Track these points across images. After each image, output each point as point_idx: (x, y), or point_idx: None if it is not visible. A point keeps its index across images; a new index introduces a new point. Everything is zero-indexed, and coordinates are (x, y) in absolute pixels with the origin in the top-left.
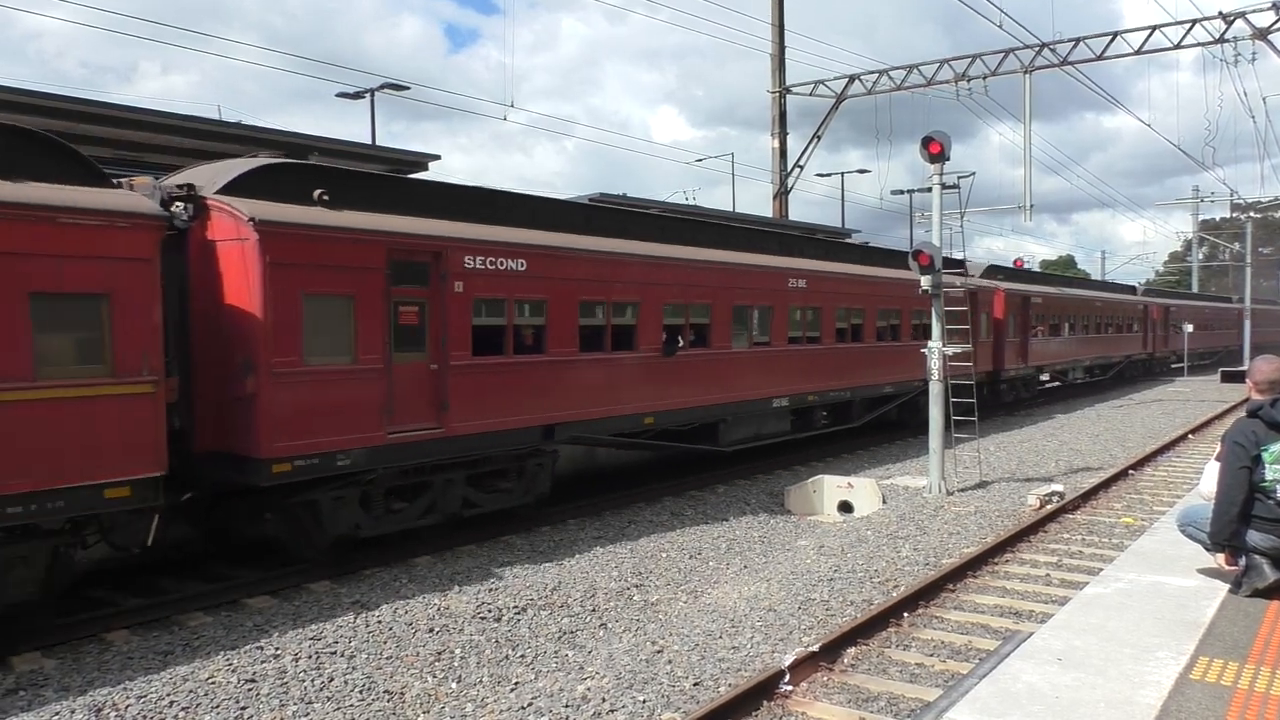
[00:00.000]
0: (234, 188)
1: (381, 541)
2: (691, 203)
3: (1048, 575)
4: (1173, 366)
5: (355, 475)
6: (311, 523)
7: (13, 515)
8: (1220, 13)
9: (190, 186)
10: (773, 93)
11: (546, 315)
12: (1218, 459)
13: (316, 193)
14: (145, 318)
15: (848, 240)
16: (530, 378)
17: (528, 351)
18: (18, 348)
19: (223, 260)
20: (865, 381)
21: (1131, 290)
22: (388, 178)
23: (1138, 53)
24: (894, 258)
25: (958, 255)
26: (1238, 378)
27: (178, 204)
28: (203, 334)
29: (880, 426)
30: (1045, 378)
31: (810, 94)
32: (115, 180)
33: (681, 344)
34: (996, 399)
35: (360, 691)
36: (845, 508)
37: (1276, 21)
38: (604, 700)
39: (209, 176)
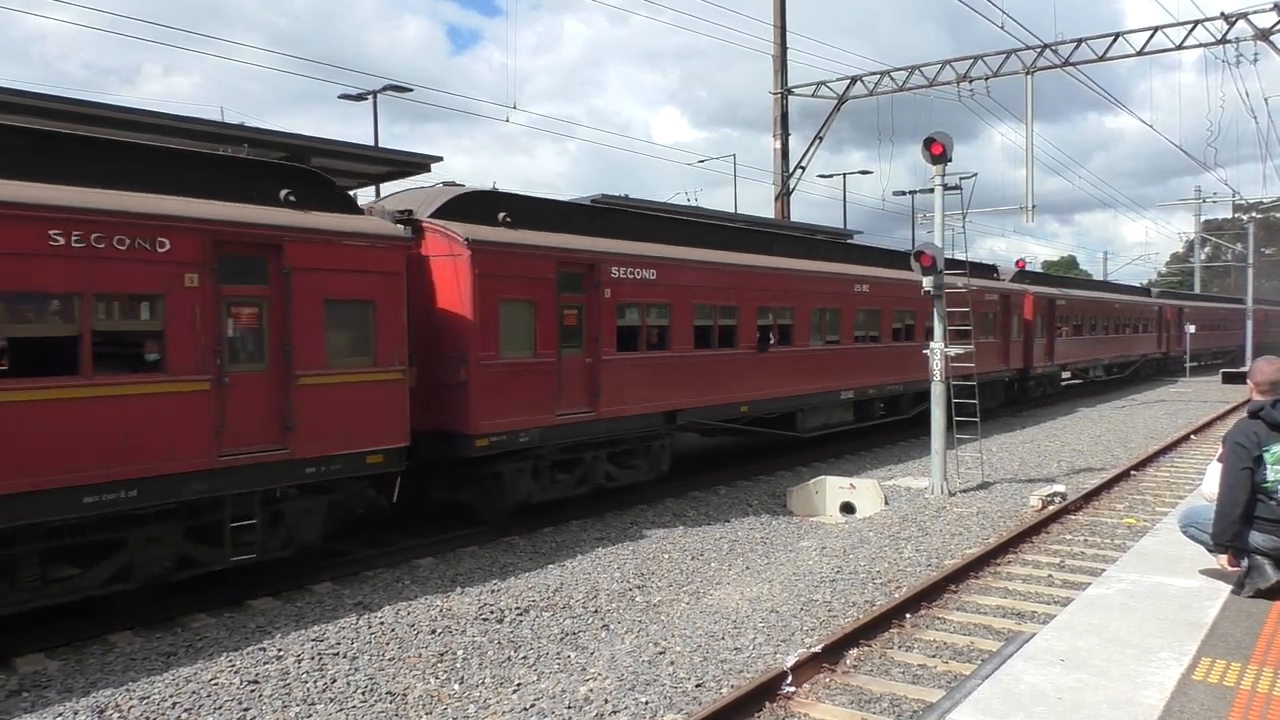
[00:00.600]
0: (442, 212)
1: (546, 507)
2: (693, 204)
3: (1050, 576)
4: (1187, 365)
5: (531, 450)
6: (497, 490)
7: (310, 474)
8: (1222, 13)
9: (409, 212)
10: (774, 94)
11: (670, 317)
12: (1220, 460)
13: (501, 215)
14: (396, 320)
15: (889, 250)
16: (658, 370)
17: (656, 348)
18: (319, 343)
19: (437, 272)
20: (916, 376)
21: (1146, 292)
22: (551, 201)
23: (1139, 54)
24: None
25: (984, 260)
26: (1239, 379)
27: (400, 226)
28: (418, 332)
29: (883, 428)
30: (1067, 375)
31: (812, 95)
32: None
33: (772, 342)
34: (1025, 394)
35: (363, 693)
36: (847, 509)
37: (1278, 22)
38: (606, 701)
39: (419, 202)
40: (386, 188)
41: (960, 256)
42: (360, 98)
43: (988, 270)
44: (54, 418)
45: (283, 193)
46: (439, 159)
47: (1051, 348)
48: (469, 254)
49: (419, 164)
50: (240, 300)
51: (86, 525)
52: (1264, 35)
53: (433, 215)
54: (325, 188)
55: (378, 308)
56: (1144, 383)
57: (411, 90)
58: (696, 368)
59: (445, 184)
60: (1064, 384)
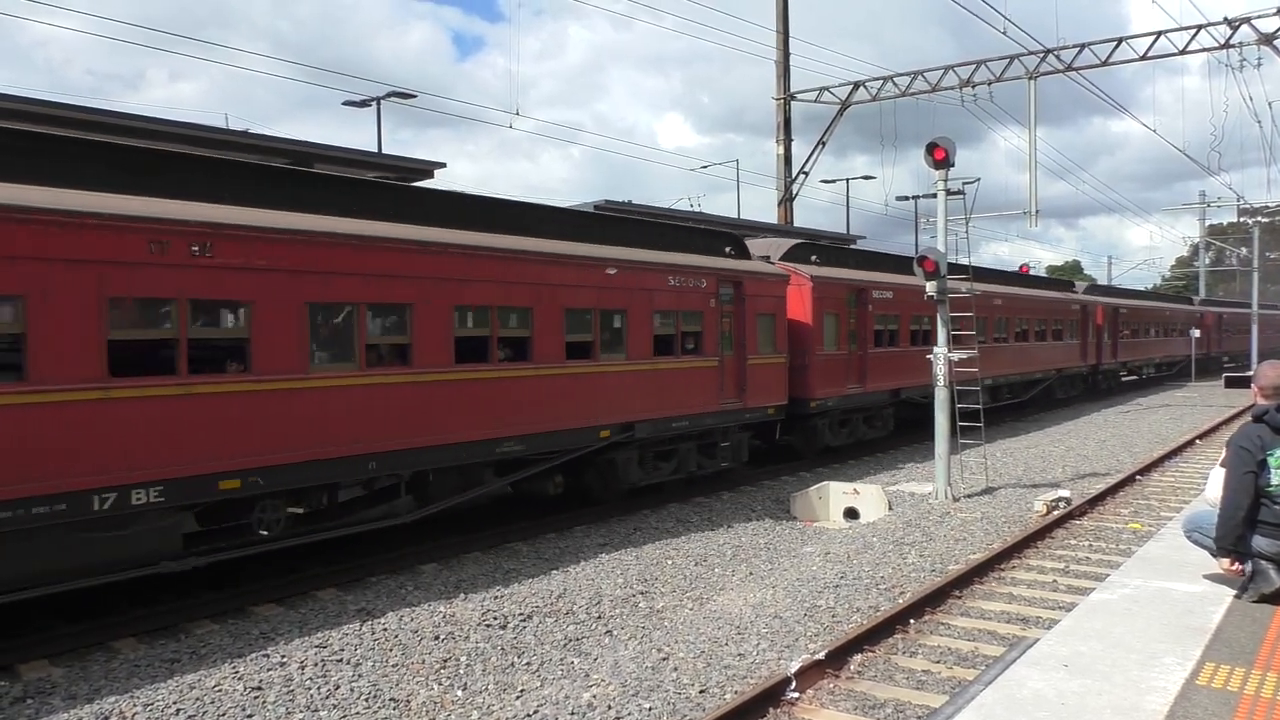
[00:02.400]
0: (787, 256)
1: (837, 450)
2: (696, 209)
3: (1054, 581)
4: (1225, 364)
5: (832, 411)
6: (815, 436)
7: (748, 418)
8: (1225, 18)
9: (766, 257)
10: (778, 100)
11: (899, 324)
12: (1223, 464)
13: (813, 257)
14: (782, 325)
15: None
16: (892, 360)
17: (889, 345)
18: (755, 339)
19: (791, 296)
20: (1028, 369)
21: (1189, 301)
22: (836, 249)
23: (1143, 58)
24: (1047, 283)
25: (989, 266)
26: (1243, 383)
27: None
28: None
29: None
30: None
31: (815, 100)
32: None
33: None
34: (1095, 388)
35: (366, 699)
36: (851, 514)
37: None
38: (610, 708)
39: (770, 249)
40: None
41: (964, 261)
42: (364, 104)
43: (1066, 285)
44: (668, 381)
45: (726, 249)
46: (442, 165)
47: (1115, 349)
48: (811, 284)
49: (422, 170)
50: (726, 314)
51: (665, 440)
52: (1268, 40)
53: (782, 258)
54: (742, 246)
55: (775, 318)
56: (1154, 386)
57: (415, 96)
58: (917, 360)
59: (778, 232)
60: (1123, 379)
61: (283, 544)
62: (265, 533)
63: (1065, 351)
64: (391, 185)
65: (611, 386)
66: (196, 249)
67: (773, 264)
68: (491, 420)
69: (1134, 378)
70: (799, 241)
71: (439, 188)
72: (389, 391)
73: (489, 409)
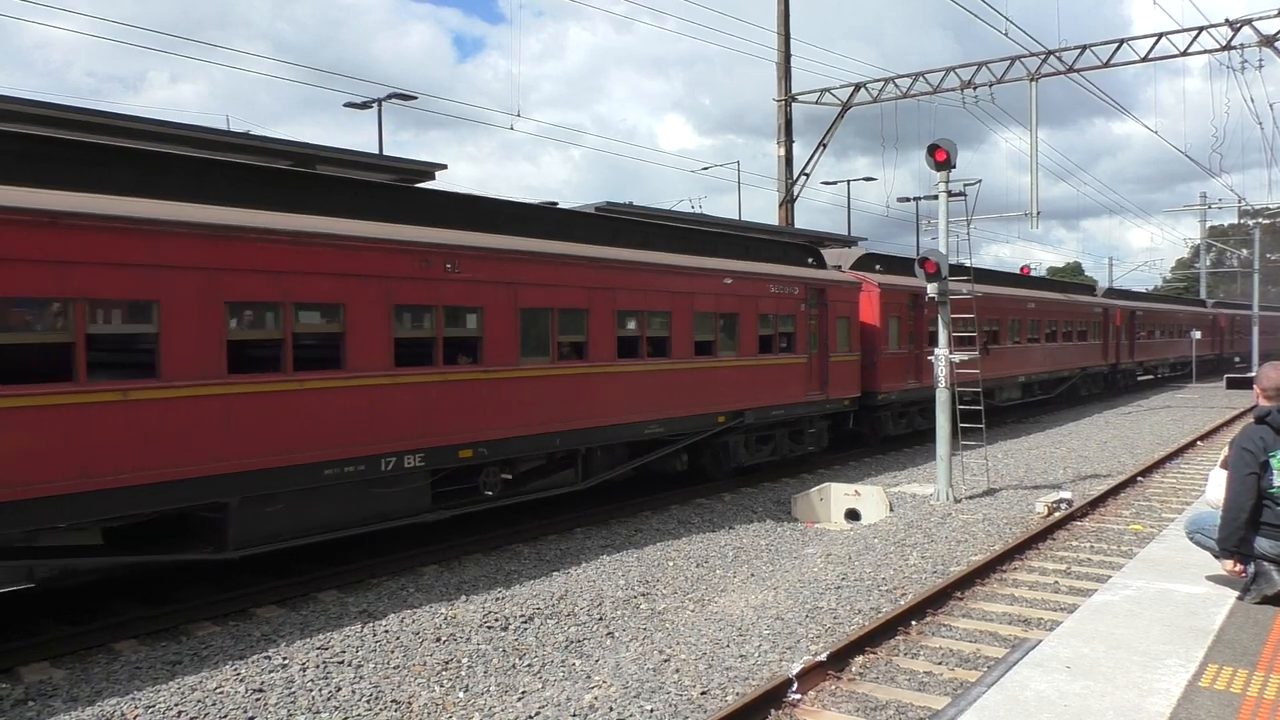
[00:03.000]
0: (855, 265)
1: (896, 439)
2: (698, 210)
3: (1056, 583)
4: (1236, 364)
5: (894, 404)
6: (879, 425)
7: (829, 408)
8: (1227, 20)
9: (839, 267)
10: (778, 101)
11: (992, 326)
12: (1223, 466)
13: (876, 265)
14: (855, 326)
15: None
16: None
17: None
18: (835, 339)
19: (862, 302)
20: (1056, 367)
21: (1202, 304)
22: (895, 258)
23: (1144, 60)
24: (1072, 288)
25: (989, 267)
26: (1244, 384)
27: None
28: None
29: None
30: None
31: (816, 102)
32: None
33: (997, 346)
34: (1114, 385)
35: (368, 701)
36: (852, 515)
37: None
38: (611, 709)
39: (839, 258)
40: None
41: (965, 263)
42: (365, 106)
43: (1088, 289)
44: (769, 375)
45: (809, 260)
46: (443, 167)
47: (1133, 349)
48: (879, 290)
49: (423, 172)
50: (812, 317)
51: (766, 426)
52: (1269, 41)
53: (851, 267)
54: (820, 256)
55: (850, 320)
56: (1157, 387)
57: (415, 98)
58: (1003, 353)
59: (844, 242)
60: (1140, 378)
61: (498, 503)
62: (489, 493)
63: (1089, 351)
64: (568, 211)
65: (727, 379)
66: (449, 266)
67: (844, 272)
68: (641, 406)
69: (1150, 377)
70: (866, 253)
71: (601, 213)
72: (573, 380)
73: (639, 397)
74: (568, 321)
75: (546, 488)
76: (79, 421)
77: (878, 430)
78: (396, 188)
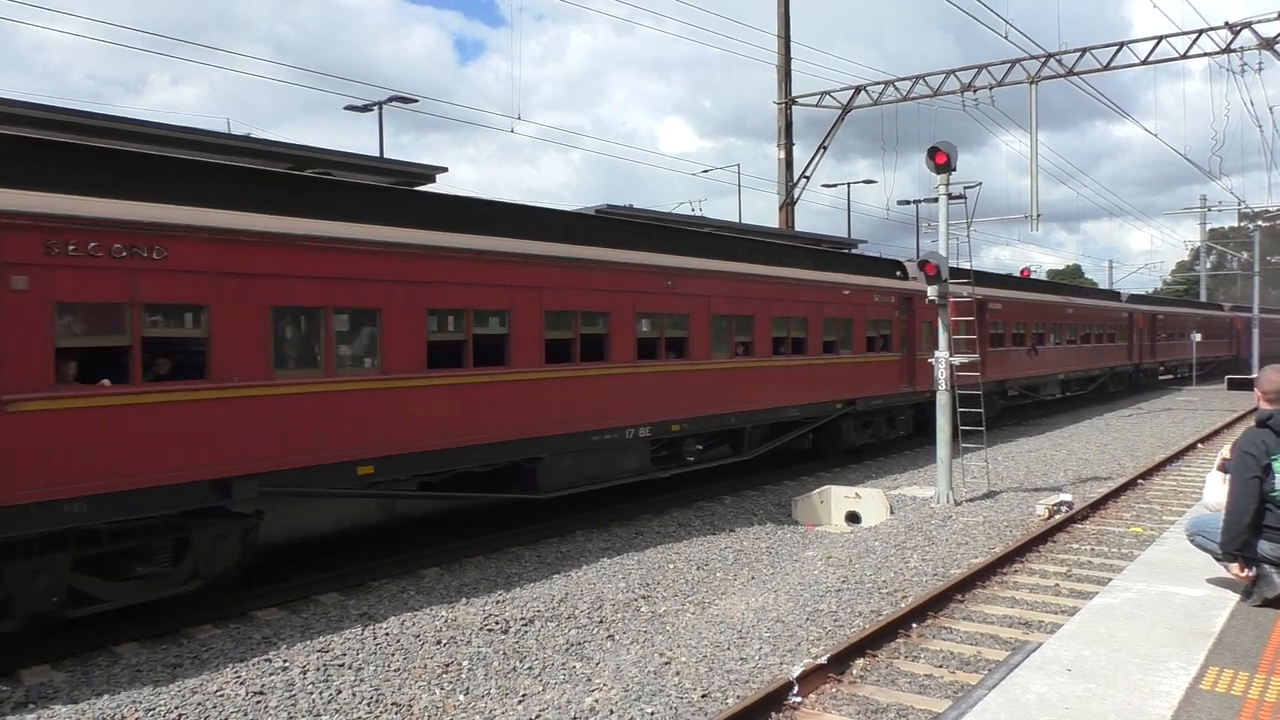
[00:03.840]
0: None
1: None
2: (698, 214)
3: (1057, 585)
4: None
5: (962, 396)
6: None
7: (914, 400)
8: (1226, 23)
9: (916, 278)
10: (779, 104)
11: (1005, 329)
12: (1218, 469)
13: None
14: (934, 330)
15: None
16: (1006, 358)
17: (999, 346)
18: (920, 340)
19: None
20: (1089, 366)
21: (1219, 307)
22: (961, 269)
23: (1144, 63)
24: (1101, 294)
25: (963, 266)
26: (1245, 385)
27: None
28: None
29: (882, 439)
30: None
31: (816, 105)
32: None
33: (1044, 347)
34: (1137, 383)
35: (368, 704)
36: (853, 518)
37: None
38: (611, 712)
39: (915, 270)
40: None
41: (965, 265)
42: (365, 109)
43: (1114, 295)
44: (874, 370)
45: (896, 272)
46: (444, 170)
47: (1154, 350)
48: (951, 298)
49: (424, 175)
50: (901, 323)
51: (870, 413)
52: (1269, 44)
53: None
54: (904, 268)
55: (930, 324)
56: (1164, 389)
57: (416, 101)
58: (1020, 357)
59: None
60: (1160, 378)
61: (695, 468)
62: (691, 459)
63: (1116, 352)
64: (734, 235)
65: (844, 373)
66: (670, 283)
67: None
68: (785, 394)
69: (1170, 376)
70: (923, 258)
71: (754, 237)
72: (743, 372)
73: (784, 387)
74: (742, 325)
75: (720, 457)
76: (466, 396)
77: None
78: (611, 220)
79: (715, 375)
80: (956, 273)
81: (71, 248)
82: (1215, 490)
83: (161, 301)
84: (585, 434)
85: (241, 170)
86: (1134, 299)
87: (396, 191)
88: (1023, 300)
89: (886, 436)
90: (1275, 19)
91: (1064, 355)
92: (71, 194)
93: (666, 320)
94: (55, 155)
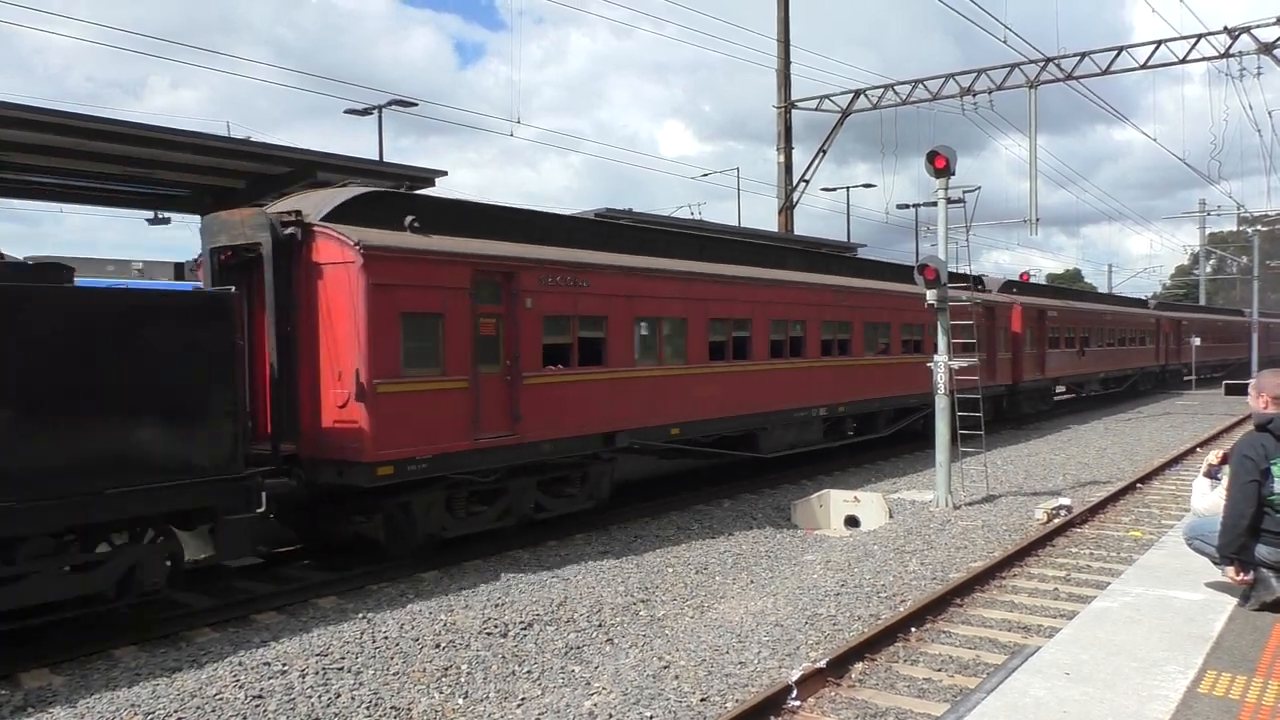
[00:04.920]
0: (1001, 289)
1: (1029, 416)
2: (697, 217)
3: (1055, 589)
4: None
5: (1027, 390)
6: (1017, 405)
7: (999, 392)
8: (1226, 27)
9: (990, 290)
10: (778, 108)
11: (1061, 332)
12: (1205, 475)
13: (1014, 289)
14: (1009, 334)
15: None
16: (1064, 358)
17: (1056, 347)
18: (997, 345)
19: (1012, 316)
20: (1124, 367)
21: (1239, 313)
22: (1021, 282)
23: (1143, 67)
24: (1131, 302)
25: (966, 269)
26: (1242, 390)
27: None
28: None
29: (883, 441)
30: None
31: (816, 109)
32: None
33: (1089, 349)
34: (1164, 382)
35: (367, 708)
36: (852, 522)
37: None
38: (610, 716)
39: (991, 284)
40: None
41: (965, 270)
42: (366, 112)
43: (1142, 303)
44: (965, 367)
45: (978, 285)
46: (443, 173)
47: (1179, 351)
48: (1021, 309)
49: (423, 178)
50: (984, 327)
51: (963, 403)
52: (1267, 49)
53: (999, 290)
54: (981, 281)
55: (1006, 329)
56: (1161, 394)
57: (416, 105)
58: (1072, 357)
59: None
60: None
61: (849, 441)
62: (851, 433)
63: (1145, 354)
64: (858, 259)
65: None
66: (837, 299)
67: (999, 294)
68: (908, 385)
69: (1192, 376)
70: (1008, 279)
71: (895, 261)
72: (884, 367)
73: (906, 379)
74: (881, 330)
75: (863, 433)
76: (727, 381)
77: (1017, 408)
78: (812, 254)
79: (864, 370)
80: (955, 277)
81: (549, 280)
82: (1203, 495)
83: (587, 314)
84: (790, 411)
85: (630, 228)
86: (1161, 305)
87: (699, 236)
88: (1072, 308)
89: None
90: (1274, 24)
91: (1104, 357)
92: (532, 244)
93: (836, 326)
94: (519, 218)
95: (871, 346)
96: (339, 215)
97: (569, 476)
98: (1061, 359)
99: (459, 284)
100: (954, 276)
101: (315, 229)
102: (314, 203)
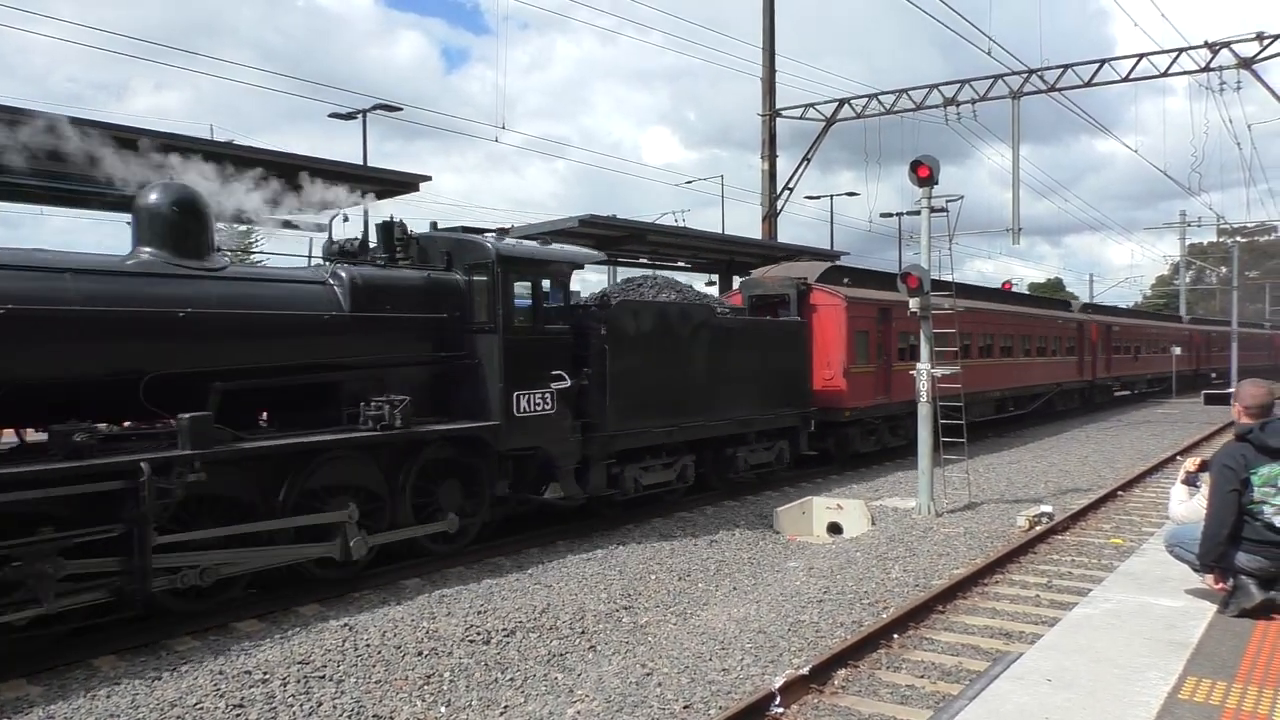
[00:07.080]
0: (1081, 309)
1: (1101, 405)
2: (681, 224)
3: (1037, 596)
4: (1213, 379)
5: (1100, 385)
6: (1092, 396)
7: (1097, 384)
8: (1206, 42)
9: (1073, 308)
10: (763, 116)
11: (1122, 339)
12: (1182, 482)
13: (1079, 305)
14: (1092, 344)
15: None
16: (1125, 361)
17: (1119, 353)
18: (1083, 350)
19: (1091, 331)
20: (1160, 370)
21: (1259, 325)
22: (1090, 303)
23: (1125, 80)
24: (1167, 317)
25: (945, 278)
26: (1221, 400)
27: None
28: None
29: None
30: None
31: (800, 117)
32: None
33: (1142, 354)
34: (1193, 384)
35: (349, 716)
36: (835, 529)
37: (1260, 51)
38: None
39: (1076, 306)
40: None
41: (947, 278)
42: (350, 116)
43: (1176, 318)
44: (1067, 367)
45: (1070, 307)
46: (428, 179)
47: (1208, 359)
48: (1095, 325)
49: (408, 184)
50: (1075, 338)
51: (1067, 393)
52: (1247, 64)
53: (1080, 309)
54: (1069, 304)
55: (1089, 339)
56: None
57: (400, 109)
58: (1127, 360)
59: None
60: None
61: (1013, 415)
62: (1013, 408)
63: (1179, 360)
64: (1003, 290)
65: (1055, 368)
66: (1116, 328)
67: (1083, 314)
68: (1039, 377)
69: (1219, 379)
70: (1087, 302)
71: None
72: (1022, 365)
73: (1038, 372)
74: (1026, 340)
75: (1015, 412)
76: (1006, 370)
77: (1090, 400)
78: (1010, 294)
79: (1016, 366)
80: (938, 283)
81: (905, 314)
82: (1180, 503)
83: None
84: (987, 391)
85: (992, 291)
86: (1194, 319)
87: (991, 290)
88: (1128, 323)
89: (1070, 405)
90: (1253, 40)
91: (1150, 361)
92: (894, 291)
93: (1003, 338)
94: (888, 277)
95: (1020, 352)
96: (820, 279)
97: (908, 423)
98: (1122, 363)
99: (872, 314)
100: (1052, 302)
101: (814, 286)
102: (805, 270)
